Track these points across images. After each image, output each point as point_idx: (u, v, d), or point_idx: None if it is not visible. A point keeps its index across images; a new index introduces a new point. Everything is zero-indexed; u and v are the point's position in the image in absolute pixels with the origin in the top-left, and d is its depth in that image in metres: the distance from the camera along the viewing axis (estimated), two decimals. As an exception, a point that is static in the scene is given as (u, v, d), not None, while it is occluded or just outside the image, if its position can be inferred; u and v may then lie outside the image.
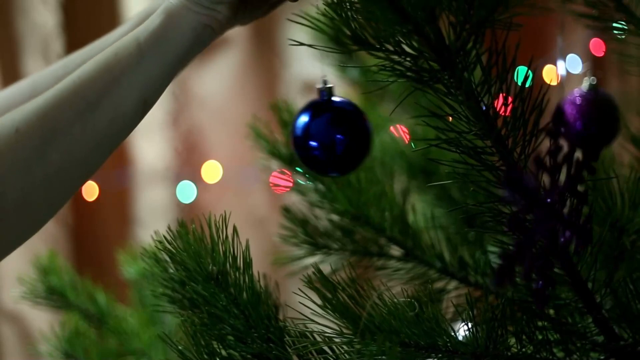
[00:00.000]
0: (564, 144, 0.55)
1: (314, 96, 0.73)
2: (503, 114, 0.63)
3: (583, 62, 0.84)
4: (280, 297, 0.74)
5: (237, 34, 1.92)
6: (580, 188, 0.57)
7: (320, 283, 0.68)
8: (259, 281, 0.73)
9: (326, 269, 0.73)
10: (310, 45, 0.67)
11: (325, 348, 0.69)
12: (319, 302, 0.67)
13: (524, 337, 0.68)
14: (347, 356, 0.68)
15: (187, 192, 1.88)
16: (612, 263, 0.70)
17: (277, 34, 1.96)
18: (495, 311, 0.67)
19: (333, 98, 0.72)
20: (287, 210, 0.95)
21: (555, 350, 0.69)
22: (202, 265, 0.71)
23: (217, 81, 1.96)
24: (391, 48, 0.61)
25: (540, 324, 0.69)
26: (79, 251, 1.89)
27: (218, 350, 0.71)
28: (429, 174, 1.10)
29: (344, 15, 0.60)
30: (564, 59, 0.79)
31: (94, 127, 0.66)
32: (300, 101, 0.98)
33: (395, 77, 0.63)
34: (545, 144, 0.64)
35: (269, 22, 1.92)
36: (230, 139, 1.93)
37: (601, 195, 0.73)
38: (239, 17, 0.74)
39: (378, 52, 0.62)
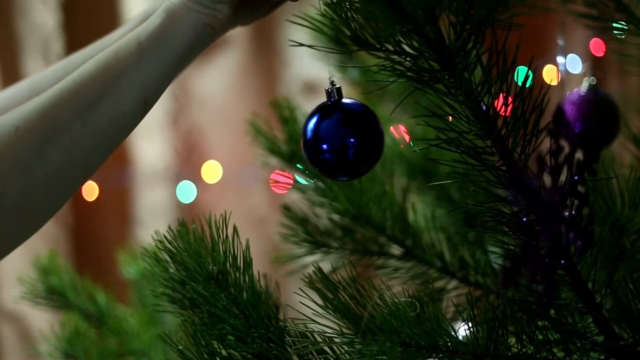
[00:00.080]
0: (565, 144, 0.55)
1: (314, 96, 0.73)
2: (503, 114, 0.63)
3: (583, 62, 0.84)
4: (280, 297, 0.74)
5: (237, 34, 1.92)
6: (581, 189, 0.57)
7: (321, 283, 0.68)
8: (259, 281, 0.73)
9: (326, 267, 0.73)
10: (310, 46, 0.67)
11: (326, 348, 0.69)
12: (320, 302, 0.67)
13: (524, 337, 0.68)
14: (348, 356, 0.68)
15: (187, 192, 1.88)
16: (612, 263, 0.70)
17: (277, 34, 1.96)
18: (496, 311, 0.67)
19: (343, 100, 0.71)
20: (287, 209, 0.95)
21: (555, 350, 0.69)
22: (202, 265, 0.71)
23: (217, 81, 1.96)
24: (391, 48, 0.61)
25: (540, 323, 0.69)
26: (79, 251, 1.89)
27: (218, 350, 0.71)
28: (429, 175, 1.10)
29: (343, 15, 0.60)
30: (565, 59, 0.79)
31: (93, 126, 0.66)
32: (300, 101, 0.98)
33: (396, 77, 0.63)
34: (545, 144, 0.64)
35: (269, 22, 1.92)
36: (230, 139, 1.93)
37: (601, 195, 0.73)
38: (240, 17, 0.74)
39: (378, 52, 0.62)
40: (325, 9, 0.61)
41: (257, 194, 1.95)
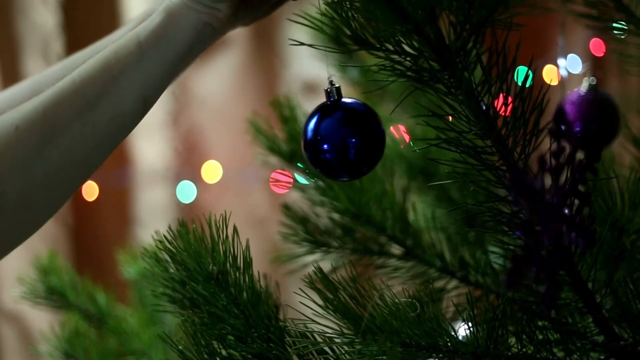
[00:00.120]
0: (566, 144, 0.55)
1: (314, 96, 0.73)
2: (503, 113, 0.63)
3: (583, 62, 0.84)
4: (280, 296, 0.74)
5: (237, 34, 1.92)
6: (582, 189, 0.57)
7: (321, 283, 0.68)
8: (259, 281, 0.73)
9: (326, 267, 0.73)
10: (310, 45, 0.67)
11: (326, 348, 0.69)
12: (320, 302, 0.67)
13: (524, 336, 0.68)
14: (348, 356, 0.68)
15: (187, 192, 1.88)
16: (612, 263, 0.70)
17: (277, 34, 1.96)
18: (496, 311, 0.67)
19: (342, 99, 0.71)
20: (287, 208, 0.95)
21: (555, 350, 0.69)
22: (202, 265, 0.71)
23: (217, 81, 1.96)
24: (391, 48, 0.61)
25: (540, 323, 0.69)
26: (79, 251, 1.89)
27: (218, 350, 0.71)
28: (429, 175, 1.10)
29: (344, 14, 0.60)
30: (565, 59, 0.79)
31: (93, 125, 0.66)
32: (300, 101, 0.98)
33: (396, 77, 0.63)
34: (545, 143, 0.64)
35: (269, 22, 1.92)
36: (230, 139, 1.93)
37: (601, 195, 0.73)
38: (240, 17, 0.74)
39: (378, 52, 0.62)
40: (325, 9, 0.61)
41: (257, 194, 1.95)
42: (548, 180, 0.56)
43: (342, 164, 0.69)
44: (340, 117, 0.69)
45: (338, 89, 0.70)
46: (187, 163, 1.94)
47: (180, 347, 0.71)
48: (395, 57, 0.62)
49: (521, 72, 0.63)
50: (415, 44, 0.60)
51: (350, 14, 0.60)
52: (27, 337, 1.81)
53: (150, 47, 0.67)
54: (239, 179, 1.92)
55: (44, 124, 0.64)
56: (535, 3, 0.61)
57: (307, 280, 0.68)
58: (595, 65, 0.84)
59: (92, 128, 0.65)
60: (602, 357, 0.69)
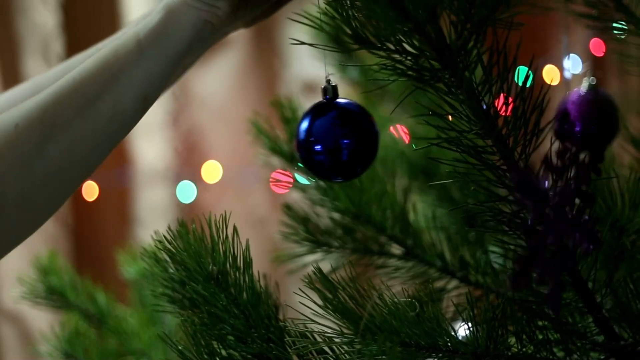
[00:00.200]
0: (571, 144, 0.55)
1: (314, 96, 0.73)
2: (504, 113, 0.63)
3: (583, 62, 0.84)
4: (280, 296, 0.74)
5: (237, 33, 1.91)
6: (585, 189, 0.57)
7: (320, 283, 0.68)
8: (259, 281, 0.73)
9: (326, 267, 0.72)
10: (311, 44, 0.67)
11: (326, 348, 0.69)
12: (320, 302, 0.67)
13: (524, 336, 0.68)
14: (347, 356, 0.68)
15: (187, 192, 1.88)
16: (612, 263, 0.70)
17: (277, 34, 1.96)
18: (496, 311, 0.67)
19: (338, 99, 0.70)
20: (288, 208, 0.95)
21: (555, 349, 0.69)
22: (202, 265, 0.71)
23: (217, 81, 1.96)
24: (392, 47, 0.61)
25: (540, 323, 0.69)
26: (79, 251, 1.89)
27: (218, 350, 0.71)
28: (429, 175, 1.10)
29: (344, 14, 0.60)
30: (568, 58, 0.79)
31: (93, 124, 0.65)
32: (300, 101, 0.98)
33: (396, 76, 0.63)
34: (546, 143, 0.64)
35: (269, 22, 1.92)
36: (230, 139, 1.93)
37: (601, 195, 0.73)
38: (240, 15, 0.74)
39: (379, 51, 0.62)
40: (326, 8, 0.61)
41: (257, 194, 1.95)
42: (550, 181, 0.56)
43: (334, 164, 0.69)
44: (334, 117, 0.69)
45: (334, 88, 0.70)
46: (187, 163, 1.94)
47: (180, 347, 0.71)
48: (396, 56, 0.61)
49: (522, 71, 0.63)
50: (416, 43, 0.60)
51: (350, 13, 0.60)
52: (27, 337, 1.81)
53: (150, 45, 0.67)
54: (239, 179, 1.92)
55: (44, 122, 0.64)
56: (536, 2, 0.61)
57: (306, 280, 0.68)
58: (595, 65, 0.84)
59: (92, 126, 0.65)
60: (602, 357, 0.69)
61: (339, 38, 0.62)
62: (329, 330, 0.68)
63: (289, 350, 0.70)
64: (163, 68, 0.68)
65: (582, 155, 0.56)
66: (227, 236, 0.71)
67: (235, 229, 0.71)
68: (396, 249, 0.93)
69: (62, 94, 0.65)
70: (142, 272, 1.23)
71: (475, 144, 0.64)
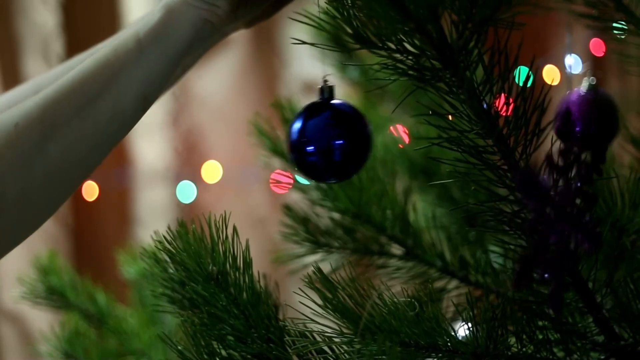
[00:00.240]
0: (574, 144, 0.55)
1: (314, 96, 0.73)
2: (504, 113, 0.63)
3: (583, 62, 0.84)
4: (280, 296, 0.74)
5: (237, 33, 1.91)
6: (587, 189, 0.57)
7: (320, 283, 0.68)
8: (259, 281, 0.73)
9: (326, 267, 0.72)
10: (311, 44, 0.67)
11: (325, 348, 0.69)
12: (319, 301, 0.67)
13: (524, 336, 0.68)
14: (347, 356, 0.68)
15: (187, 192, 1.88)
16: (612, 263, 0.70)
17: (277, 33, 1.96)
18: (496, 311, 0.67)
19: (333, 100, 0.70)
20: (288, 208, 0.95)
21: (555, 349, 0.69)
22: (202, 266, 0.70)
23: (217, 81, 1.96)
24: (393, 46, 0.61)
25: (540, 323, 0.69)
26: (79, 251, 1.89)
27: (218, 350, 0.71)
28: (430, 174, 1.10)
29: (345, 13, 0.60)
30: (571, 56, 0.79)
31: (93, 123, 0.65)
32: (300, 101, 0.98)
33: (397, 76, 0.63)
34: (546, 144, 0.64)
35: (269, 22, 1.91)
36: (230, 139, 1.93)
37: (601, 195, 0.73)
38: (240, 14, 0.74)
39: (380, 51, 0.62)
40: (327, 7, 0.61)
41: (257, 194, 1.95)
42: (552, 181, 0.56)
43: (327, 165, 0.69)
44: (327, 117, 0.69)
45: (331, 88, 0.70)
46: (187, 163, 1.94)
47: (180, 348, 0.71)
48: (397, 55, 0.61)
49: (522, 71, 0.63)
50: (417, 42, 0.60)
51: (351, 12, 0.60)
52: (27, 337, 1.81)
53: (150, 44, 0.67)
54: (239, 179, 1.92)
55: (44, 121, 0.64)
56: (538, 2, 0.61)
57: (306, 280, 0.68)
58: (595, 65, 0.84)
59: (92, 125, 0.65)
60: (602, 357, 0.69)
61: (340, 38, 0.62)
62: (329, 330, 0.68)
63: (289, 350, 0.70)
64: (163, 67, 0.68)
65: (584, 155, 0.56)
66: (227, 236, 0.71)
67: (235, 229, 0.71)
68: (396, 249, 0.93)
69: (62, 93, 0.65)
70: (142, 272, 1.23)
71: (476, 143, 0.64)
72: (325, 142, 0.68)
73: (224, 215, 0.70)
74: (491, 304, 0.67)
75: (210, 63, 1.93)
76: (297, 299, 0.68)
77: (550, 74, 1.15)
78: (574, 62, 0.80)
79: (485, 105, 0.62)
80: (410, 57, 0.62)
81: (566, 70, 0.79)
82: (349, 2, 0.60)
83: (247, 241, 0.72)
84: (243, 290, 0.72)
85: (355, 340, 0.66)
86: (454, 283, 0.90)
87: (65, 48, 1.82)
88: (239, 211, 1.86)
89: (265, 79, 1.97)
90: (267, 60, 1.97)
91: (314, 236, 0.94)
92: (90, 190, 1.81)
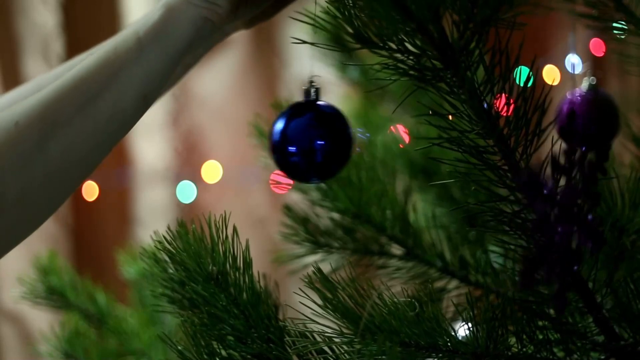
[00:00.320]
0: (577, 144, 0.55)
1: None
2: (505, 113, 0.63)
3: (583, 62, 0.84)
4: (280, 296, 0.74)
5: (237, 33, 1.91)
6: (591, 188, 0.57)
7: (320, 283, 0.68)
8: (258, 281, 0.73)
9: (326, 267, 0.72)
10: (312, 44, 0.67)
11: (325, 348, 0.69)
12: (320, 301, 0.67)
13: (524, 336, 0.68)
14: (347, 356, 0.68)
15: (187, 192, 1.88)
16: (613, 263, 0.70)
17: (277, 34, 1.96)
18: (496, 311, 0.67)
19: (316, 102, 0.71)
20: (288, 209, 0.95)
21: (555, 349, 0.69)
22: (202, 266, 0.70)
23: (217, 81, 1.96)
24: (394, 46, 0.61)
25: (540, 323, 0.69)
26: (79, 251, 1.89)
27: (218, 350, 0.71)
28: (430, 174, 1.10)
29: (346, 13, 0.60)
30: (574, 55, 0.79)
31: (94, 122, 0.65)
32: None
33: (398, 76, 0.63)
34: (547, 144, 0.64)
35: (269, 22, 1.92)
36: (230, 139, 1.93)
37: (601, 195, 0.73)
38: (240, 13, 0.74)
39: (381, 51, 0.62)
40: (327, 7, 0.61)
41: (257, 194, 1.95)
42: (555, 181, 0.56)
43: (308, 165, 0.69)
44: (309, 118, 0.70)
45: (317, 91, 0.71)
46: (187, 163, 1.94)
47: (180, 348, 0.71)
48: (398, 55, 0.61)
49: (523, 71, 0.63)
50: (418, 42, 0.60)
51: (352, 12, 0.60)
52: (27, 337, 1.81)
53: (150, 43, 0.67)
54: (239, 179, 1.91)
55: (44, 120, 0.64)
56: (538, 2, 0.61)
57: (306, 280, 0.68)
58: (595, 65, 0.84)
59: (92, 124, 0.65)
60: (602, 357, 0.69)
61: (340, 37, 0.62)
62: (329, 330, 0.68)
63: (289, 350, 0.70)
64: (163, 66, 0.68)
65: (588, 155, 0.56)
66: (227, 236, 0.71)
67: (235, 229, 0.71)
68: (396, 249, 0.93)
69: (62, 92, 0.65)
70: (142, 272, 1.23)
71: (477, 143, 0.64)
72: (306, 143, 0.69)
73: (224, 215, 0.70)
74: (491, 304, 0.67)
75: (210, 63, 1.93)
76: (297, 299, 0.68)
77: (551, 74, 1.15)
78: (570, 64, 0.80)
79: (486, 106, 0.62)
80: (411, 57, 0.62)
81: (569, 70, 0.79)
82: (350, 2, 0.60)
83: (247, 241, 0.72)
84: (243, 290, 0.72)
85: (355, 340, 0.66)
86: (454, 283, 0.90)
87: (65, 48, 1.82)
88: (239, 211, 1.86)
89: (265, 79, 1.97)
90: (267, 60, 1.97)
91: (313, 236, 0.94)
92: (90, 190, 1.81)
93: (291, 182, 0.95)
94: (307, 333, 0.69)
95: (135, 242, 1.81)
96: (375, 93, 1.21)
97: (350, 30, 0.60)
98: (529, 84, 0.63)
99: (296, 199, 0.97)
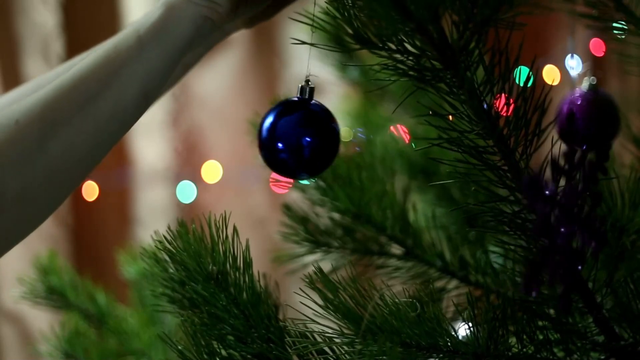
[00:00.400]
0: (577, 145, 0.55)
1: (314, 96, 0.73)
2: (505, 113, 0.63)
3: (583, 62, 0.84)
4: (280, 296, 0.74)
5: (237, 33, 1.91)
6: (593, 189, 0.57)
7: (321, 283, 0.68)
8: (259, 281, 0.73)
9: (326, 267, 0.72)
10: (312, 44, 0.67)
11: (326, 348, 0.69)
12: (320, 301, 0.67)
13: (524, 336, 0.68)
14: (348, 356, 0.68)
15: (187, 192, 1.88)
16: (613, 263, 0.70)
17: (277, 34, 1.96)
18: (496, 311, 0.67)
19: (307, 100, 0.71)
20: (288, 208, 0.95)
21: (555, 350, 0.69)
22: (202, 265, 0.70)
23: (217, 81, 1.96)
24: (394, 47, 0.61)
25: (540, 323, 0.69)
26: (79, 251, 1.89)
27: (218, 350, 0.71)
28: (429, 174, 1.10)
29: (346, 13, 0.60)
30: (572, 57, 0.79)
31: (94, 120, 0.65)
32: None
33: (398, 76, 0.63)
34: (547, 144, 0.64)
35: (269, 22, 1.92)
36: (230, 139, 1.93)
37: (602, 195, 0.73)
38: (240, 12, 0.74)
39: (380, 51, 0.62)
40: (327, 7, 0.61)
41: (257, 194, 1.95)
42: (556, 182, 0.56)
43: (296, 162, 0.70)
44: (294, 116, 0.70)
45: (311, 90, 0.71)
46: (187, 163, 1.93)
47: (180, 347, 0.71)
48: (398, 56, 0.61)
49: (523, 72, 0.63)
50: (417, 43, 0.60)
51: (352, 12, 0.60)
52: (27, 337, 1.81)
53: (150, 41, 0.67)
54: (239, 179, 1.91)
55: (45, 118, 0.64)
56: (538, 2, 0.61)
57: (307, 280, 0.68)
58: (595, 65, 0.84)
59: (92, 123, 0.65)
60: (602, 357, 0.69)
61: (340, 38, 0.62)
62: (330, 331, 0.68)
63: (289, 350, 0.70)
64: (163, 64, 0.68)
65: (588, 155, 0.56)
66: (227, 236, 0.71)
67: (235, 229, 0.71)
68: (396, 249, 0.93)
69: (62, 90, 0.65)
70: (142, 272, 1.23)
71: (476, 144, 0.64)
72: (293, 141, 0.69)
73: (224, 215, 0.70)
74: (491, 304, 0.67)
75: (210, 63, 1.93)
76: (298, 299, 0.68)
77: (551, 74, 1.15)
78: (570, 65, 0.80)
79: (485, 106, 0.62)
80: (410, 58, 0.62)
81: (569, 71, 0.80)
82: (350, 2, 0.60)
83: (247, 241, 0.72)
84: (243, 290, 0.72)
85: (356, 340, 0.66)
86: (453, 283, 0.90)
87: (65, 48, 1.82)
88: (239, 211, 1.86)
89: (265, 79, 1.97)
90: (267, 60, 1.97)
91: (313, 236, 0.94)
92: (90, 190, 1.81)
93: (291, 181, 0.95)
94: (307, 333, 0.69)
95: (135, 242, 1.81)
96: (375, 93, 1.21)
97: (349, 30, 0.60)
98: (529, 84, 0.63)
99: (296, 198, 0.97)
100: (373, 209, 0.91)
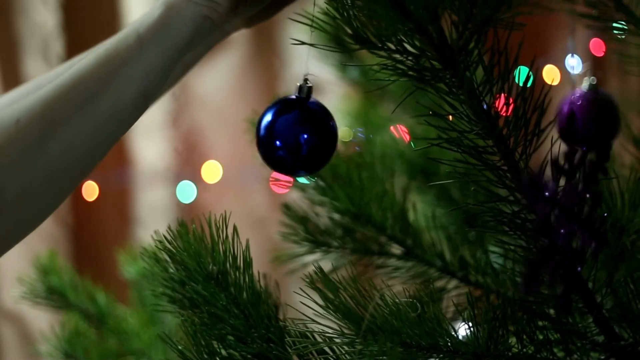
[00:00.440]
0: (577, 145, 0.55)
1: (314, 96, 0.73)
2: (504, 113, 0.63)
3: (583, 62, 0.84)
4: (280, 296, 0.74)
5: (237, 33, 1.91)
6: (593, 189, 0.57)
7: (321, 283, 0.68)
8: (259, 281, 0.73)
9: (326, 266, 0.72)
10: (312, 44, 0.67)
11: (326, 348, 0.69)
12: (320, 301, 0.67)
13: (524, 336, 0.68)
14: (348, 356, 0.68)
15: (187, 192, 1.88)
16: (613, 263, 0.70)
17: (277, 34, 1.96)
18: (496, 311, 0.67)
19: (305, 99, 0.71)
20: (287, 208, 0.95)
21: (555, 350, 0.69)
22: (202, 265, 0.71)
23: (217, 81, 1.96)
24: (393, 47, 0.61)
25: (540, 323, 0.69)
26: (79, 251, 1.89)
27: (218, 350, 0.71)
28: (429, 174, 1.10)
29: (345, 14, 0.60)
30: (572, 57, 0.79)
31: (93, 120, 0.65)
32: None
33: (397, 76, 0.63)
34: (547, 144, 0.64)
35: (269, 22, 1.92)
36: (230, 139, 1.93)
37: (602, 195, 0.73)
38: (240, 12, 0.74)
39: (380, 51, 0.62)
40: (327, 8, 0.61)
41: (257, 194, 1.95)
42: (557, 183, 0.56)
43: (294, 159, 0.70)
44: (292, 115, 0.70)
45: (309, 89, 0.71)
46: (187, 163, 1.93)
47: (180, 347, 0.71)
48: (397, 56, 0.61)
49: (523, 72, 0.63)
50: (417, 43, 0.60)
51: (351, 12, 0.60)
52: (27, 337, 1.81)
53: (150, 41, 0.67)
54: (239, 179, 1.91)
55: (45, 118, 0.64)
56: (538, 2, 0.61)
57: (307, 280, 0.68)
58: (595, 65, 0.84)
59: (92, 122, 0.65)
60: (602, 357, 0.69)
61: (340, 38, 0.62)
62: (330, 331, 0.68)
63: (289, 350, 0.70)
64: (163, 63, 0.68)
65: (588, 156, 0.56)
66: (227, 236, 0.71)
67: (235, 229, 0.71)
68: (396, 249, 0.93)
69: (62, 90, 0.65)
70: (142, 272, 1.23)
71: (476, 144, 0.64)
72: (291, 138, 0.69)
73: (224, 215, 0.70)
74: (491, 304, 0.67)
75: (210, 63, 1.93)
76: (298, 299, 0.68)
77: (551, 74, 1.15)
78: (570, 65, 0.80)
79: (485, 106, 0.62)
80: (410, 58, 0.62)
81: (569, 71, 0.80)
82: (349, 2, 0.60)
83: (247, 241, 0.72)
84: (243, 290, 0.72)
85: (356, 340, 0.66)
86: (453, 283, 0.90)
87: (65, 48, 1.82)
88: (239, 211, 1.86)
89: (265, 79, 1.97)
90: (267, 60, 1.97)
91: (313, 236, 0.94)
92: (90, 190, 1.81)
93: (291, 180, 0.95)
94: (307, 333, 0.69)
95: (135, 242, 1.81)
96: (375, 93, 1.21)
97: (349, 31, 0.60)
98: (529, 84, 0.63)
99: (296, 198, 0.97)
100: (373, 209, 0.91)
